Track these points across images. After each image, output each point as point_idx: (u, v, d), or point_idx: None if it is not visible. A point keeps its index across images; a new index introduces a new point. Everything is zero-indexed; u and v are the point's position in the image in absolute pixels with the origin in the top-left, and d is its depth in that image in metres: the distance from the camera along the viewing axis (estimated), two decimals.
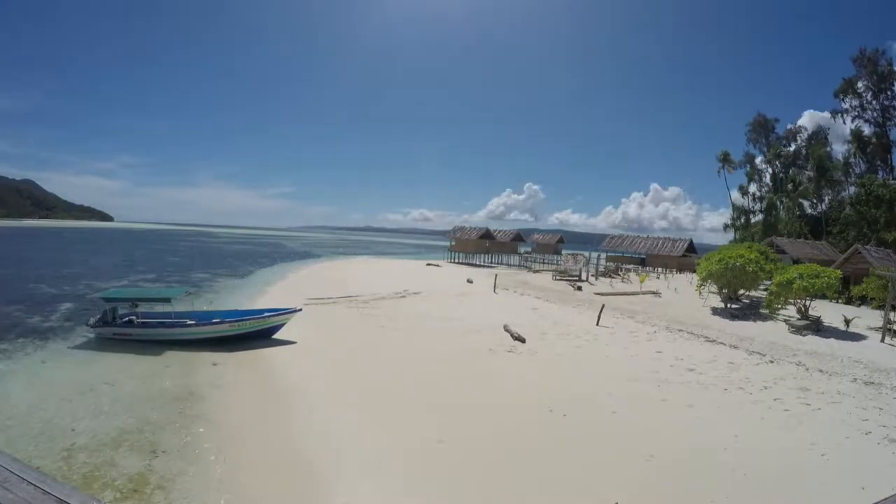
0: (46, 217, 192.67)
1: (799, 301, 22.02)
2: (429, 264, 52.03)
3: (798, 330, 19.39)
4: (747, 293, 26.59)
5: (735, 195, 69.68)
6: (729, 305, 24.76)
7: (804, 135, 64.90)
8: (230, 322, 15.37)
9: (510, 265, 55.18)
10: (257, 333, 15.48)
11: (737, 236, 64.16)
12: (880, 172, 51.40)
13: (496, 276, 34.60)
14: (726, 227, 69.29)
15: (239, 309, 18.80)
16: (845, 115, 55.77)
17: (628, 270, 45.90)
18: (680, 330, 19.13)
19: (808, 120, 67.65)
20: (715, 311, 24.37)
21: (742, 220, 67.01)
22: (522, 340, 16.18)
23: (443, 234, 66.09)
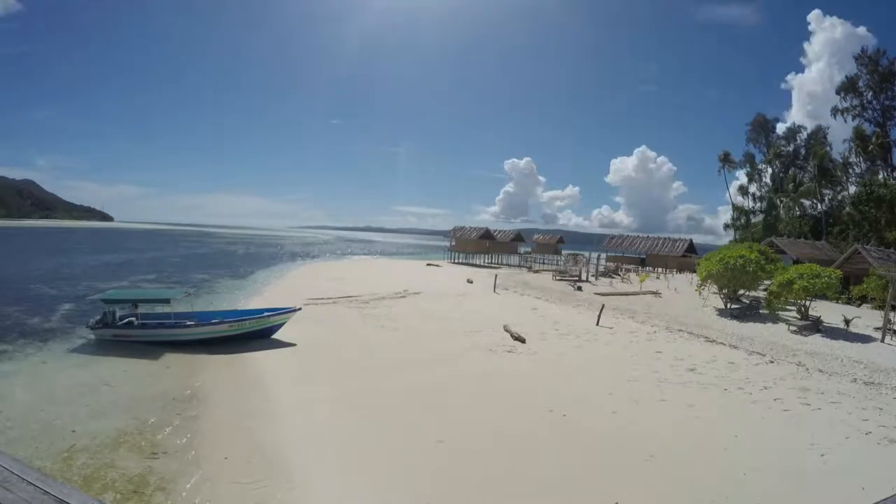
0: (46, 217, 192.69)
1: (799, 301, 22.02)
2: (429, 264, 52.02)
3: (798, 330, 19.39)
4: (747, 293, 26.58)
5: (735, 195, 69.78)
6: (729, 305, 24.75)
7: (804, 134, 65.08)
8: (230, 322, 15.38)
9: (510, 265, 55.17)
10: (257, 333, 15.48)
11: (737, 236, 64.14)
12: (881, 172, 51.41)
13: (496, 276, 34.59)
14: (726, 227, 69.36)
15: (238, 309, 18.81)
16: (846, 114, 55.83)
17: (628, 270, 45.89)
18: (680, 330, 19.13)
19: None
20: (715, 311, 24.37)
21: (742, 220, 67.02)
22: (522, 340, 16.18)
23: (443, 233, 66.09)
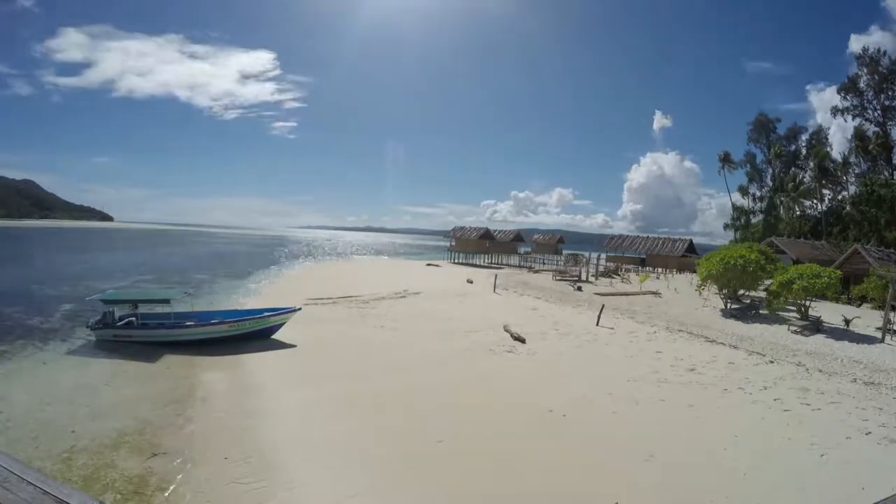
0: (46, 217, 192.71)
1: (799, 301, 22.02)
2: (429, 264, 52.06)
3: (798, 330, 19.39)
4: (747, 293, 26.58)
5: (735, 195, 69.72)
6: (729, 306, 24.75)
7: (805, 134, 65.09)
8: (230, 322, 15.38)
9: (510, 265, 55.17)
10: (257, 333, 15.48)
11: (737, 236, 64.10)
12: (883, 172, 51.34)
13: (496, 276, 34.60)
14: (726, 226, 69.26)
15: (238, 309, 18.82)
16: (846, 114, 55.80)
17: (628, 270, 45.89)
18: (680, 330, 19.13)
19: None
20: (715, 311, 24.37)
21: (742, 221, 66.95)
22: (522, 340, 16.18)
23: (444, 233, 66.09)
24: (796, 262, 32.62)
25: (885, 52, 52.06)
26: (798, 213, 58.78)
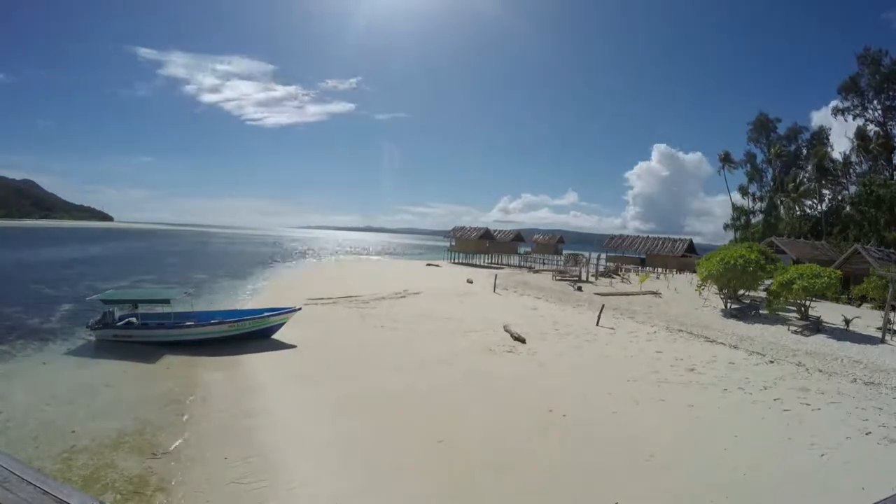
0: (46, 217, 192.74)
1: (799, 301, 22.03)
2: (429, 264, 52.04)
3: (798, 330, 19.39)
4: (747, 293, 26.59)
5: (735, 195, 69.67)
6: (729, 305, 24.75)
7: (805, 135, 65.02)
8: (230, 322, 15.39)
9: (510, 265, 55.15)
10: (257, 334, 15.48)
11: (737, 236, 64.05)
12: (884, 172, 51.30)
13: (496, 276, 34.58)
14: (726, 227, 69.20)
15: (238, 309, 18.82)
16: (846, 114, 55.74)
17: (628, 270, 45.90)
18: (680, 330, 19.12)
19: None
20: (715, 311, 24.37)
21: (742, 221, 66.90)
22: (522, 340, 16.17)
23: (443, 233, 66.09)
24: (796, 262, 32.60)
25: (886, 52, 52.05)
26: (798, 213, 58.76)
